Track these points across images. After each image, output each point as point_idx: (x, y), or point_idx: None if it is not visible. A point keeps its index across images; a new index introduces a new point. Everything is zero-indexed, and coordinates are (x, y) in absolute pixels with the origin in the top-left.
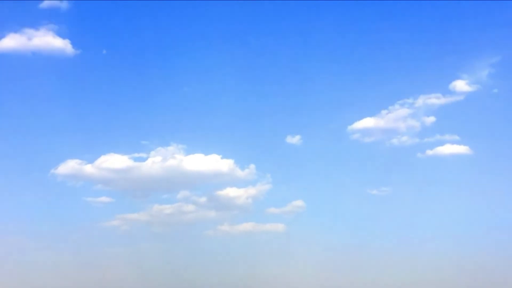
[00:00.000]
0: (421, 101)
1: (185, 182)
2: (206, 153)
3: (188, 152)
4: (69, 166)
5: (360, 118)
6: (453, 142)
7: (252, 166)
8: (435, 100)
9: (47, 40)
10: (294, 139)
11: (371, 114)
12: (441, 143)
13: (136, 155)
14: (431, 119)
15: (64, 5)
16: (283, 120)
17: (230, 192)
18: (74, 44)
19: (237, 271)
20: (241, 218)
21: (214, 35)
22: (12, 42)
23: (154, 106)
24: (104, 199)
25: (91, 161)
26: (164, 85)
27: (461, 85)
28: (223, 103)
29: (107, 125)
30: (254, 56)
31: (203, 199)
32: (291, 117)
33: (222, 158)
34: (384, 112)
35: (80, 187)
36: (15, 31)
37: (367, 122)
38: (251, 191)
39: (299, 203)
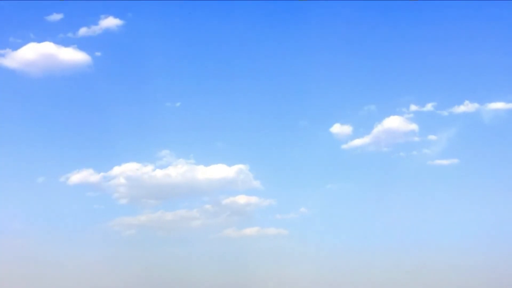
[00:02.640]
0: (420, 115)
1: (197, 190)
2: (216, 163)
3: (207, 163)
4: (83, 174)
5: (359, 132)
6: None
7: (263, 175)
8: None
9: (71, 54)
10: (299, 152)
11: (367, 132)
12: (439, 157)
13: (158, 163)
14: (432, 137)
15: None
16: (291, 135)
17: (240, 199)
18: (95, 57)
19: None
20: (247, 223)
21: (234, 54)
22: (35, 53)
23: (171, 120)
24: (119, 202)
25: (106, 170)
26: (183, 101)
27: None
28: (238, 117)
29: (126, 135)
30: (267, 77)
31: (211, 206)
32: (297, 132)
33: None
34: (379, 125)
35: (93, 194)
36: (38, 42)
37: (364, 140)
38: (260, 198)
39: (302, 209)
